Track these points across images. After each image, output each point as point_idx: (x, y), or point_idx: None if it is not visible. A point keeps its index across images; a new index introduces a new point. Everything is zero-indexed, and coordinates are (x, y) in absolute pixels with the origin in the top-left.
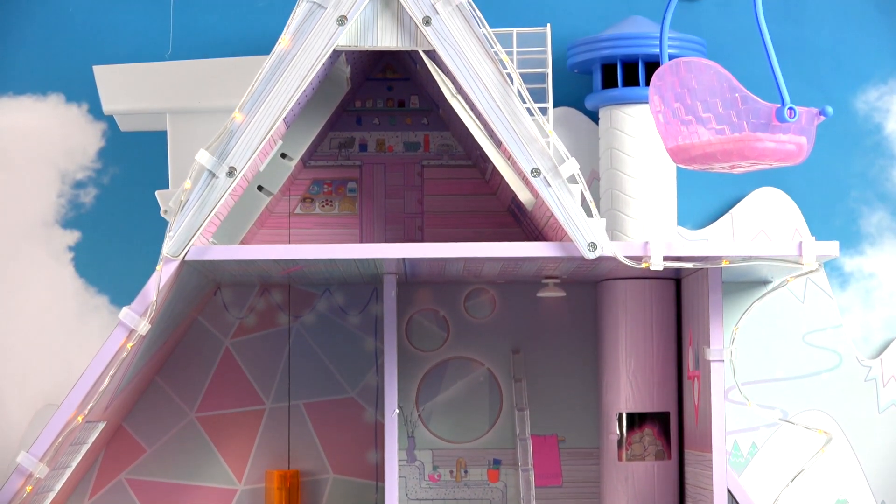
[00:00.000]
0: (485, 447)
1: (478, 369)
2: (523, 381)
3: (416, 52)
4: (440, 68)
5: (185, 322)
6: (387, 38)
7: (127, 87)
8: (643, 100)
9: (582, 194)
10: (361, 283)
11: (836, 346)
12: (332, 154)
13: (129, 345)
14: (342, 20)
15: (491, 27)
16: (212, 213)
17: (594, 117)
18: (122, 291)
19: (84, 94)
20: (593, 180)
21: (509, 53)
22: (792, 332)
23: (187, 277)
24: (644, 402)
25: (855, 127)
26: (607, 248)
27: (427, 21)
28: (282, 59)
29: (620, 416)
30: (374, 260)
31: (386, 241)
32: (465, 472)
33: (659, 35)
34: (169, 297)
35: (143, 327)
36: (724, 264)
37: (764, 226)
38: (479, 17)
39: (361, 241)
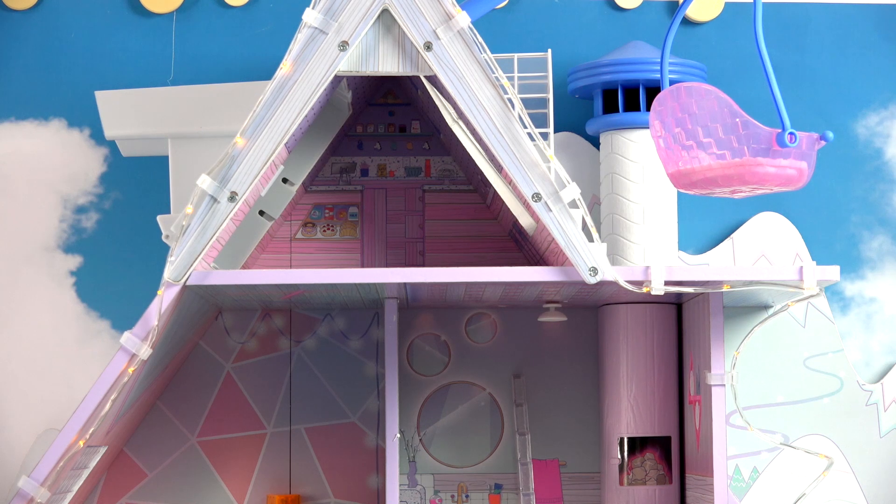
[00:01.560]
0: (486, 472)
1: (479, 394)
2: (524, 405)
3: (418, 77)
4: (441, 93)
5: (186, 347)
6: (388, 64)
7: (129, 113)
8: (644, 125)
9: (583, 219)
10: (363, 307)
11: (837, 371)
12: (334, 179)
13: (131, 369)
14: (343, 46)
15: (492, 52)
16: (213, 238)
17: (595, 142)
18: (123, 316)
19: (86, 119)
20: (594, 205)
21: (510, 79)
22: (793, 356)
23: (189, 302)
24: (645, 427)
25: (855, 152)
26: (608, 273)
27: (428, 46)
28: (283, 85)
29: (622, 440)
30: (375, 285)
31: (387, 265)
32: (467, 496)
33: (660, 60)
34: (170, 321)
35: (145, 352)
36: (724, 289)
37: (765, 250)
38: (480, 43)
39: (363, 266)
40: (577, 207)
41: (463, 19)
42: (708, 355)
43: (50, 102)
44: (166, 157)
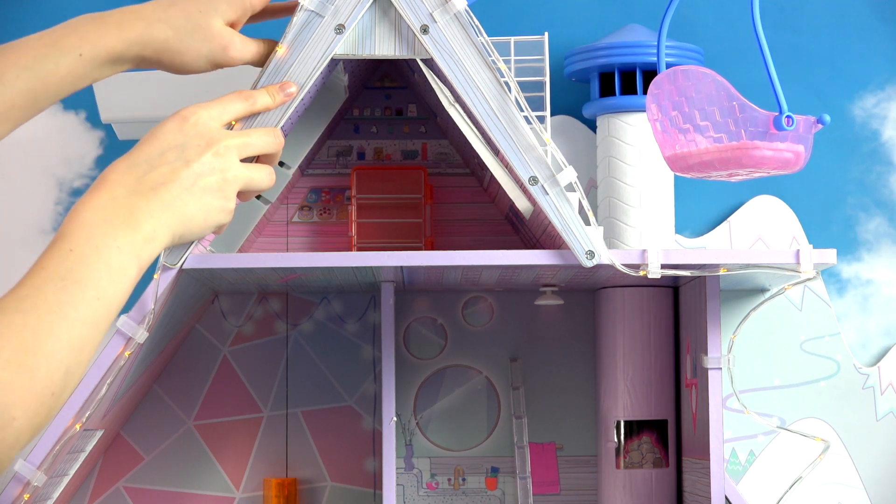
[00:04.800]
0: (483, 455)
1: (476, 377)
2: (521, 388)
3: (414, 60)
4: (438, 77)
5: (183, 330)
6: (384, 47)
7: (125, 96)
8: (641, 108)
9: (580, 202)
10: (359, 291)
11: (834, 354)
12: (330, 162)
13: (127, 353)
14: (340, 29)
15: (489, 35)
16: None
17: (592, 126)
18: None
19: (81, 102)
20: (591, 188)
21: (507, 62)
22: (789, 339)
23: (185, 285)
24: (642, 410)
25: (852, 134)
26: (605, 257)
27: (425, 30)
28: (279, 68)
29: (618, 423)
30: (371, 268)
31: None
32: (463, 479)
33: (656, 43)
34: (167, 305)
35: (141, 335)
36: (721, 272)
37: (762, 233)
38: (476, 26)
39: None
40: (573, 191)
41: (459, 2)
42: (704, 339)
43: None
44: None
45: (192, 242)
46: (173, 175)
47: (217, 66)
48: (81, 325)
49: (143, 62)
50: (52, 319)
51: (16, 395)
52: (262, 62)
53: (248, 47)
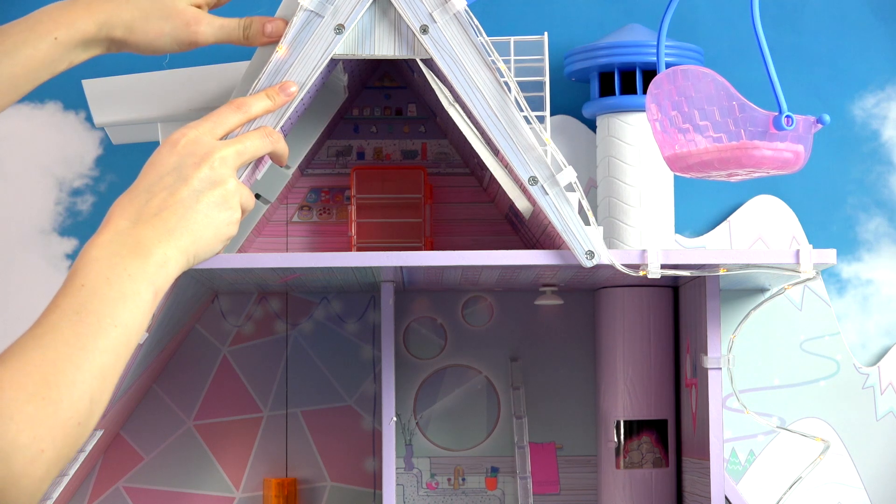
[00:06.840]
0: (483, 455)
1: (475, 377)
2: (521, 388)
3: (414, 60)
4: (437, 77)
5: (182, 330)
6: (384, 47)
7: (117, 99)
8: (640, 108)
9: (579, 202)
10: (359, 291)
11: (834, 354)
12: (330, 162)
13: None
14: (339, 29)
15: (488, 35)
16: None
17: (592, 125)
18: None
19: (81, 102)
20: (591, 188)
21: (507, 62)
22: (789, 339)
23: (185, 286)
24: (642, 410)
25: (852, 134)
26: (605, 257)
27: (424, 30)
28: (279, 68)
29: (618, 423)
30: (371, 268)
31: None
32: (463, 479)
33: (656, 43)
34: (166, 305)
35: (141, 335)
36: (721, 272)
37: (762, 233)
38: (476, 26)
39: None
40: (573, 191)
41: (459, 2)
42: (704, 339)
43: (45, 85)
44: (158, 143)
45: None
46: (173, 197)
47: (183, 44)
48: (101, 353)
49: (113, 44)
50: (72, 352)
51: (43, 428)
52: (232, 40)
53: (213, 23)
